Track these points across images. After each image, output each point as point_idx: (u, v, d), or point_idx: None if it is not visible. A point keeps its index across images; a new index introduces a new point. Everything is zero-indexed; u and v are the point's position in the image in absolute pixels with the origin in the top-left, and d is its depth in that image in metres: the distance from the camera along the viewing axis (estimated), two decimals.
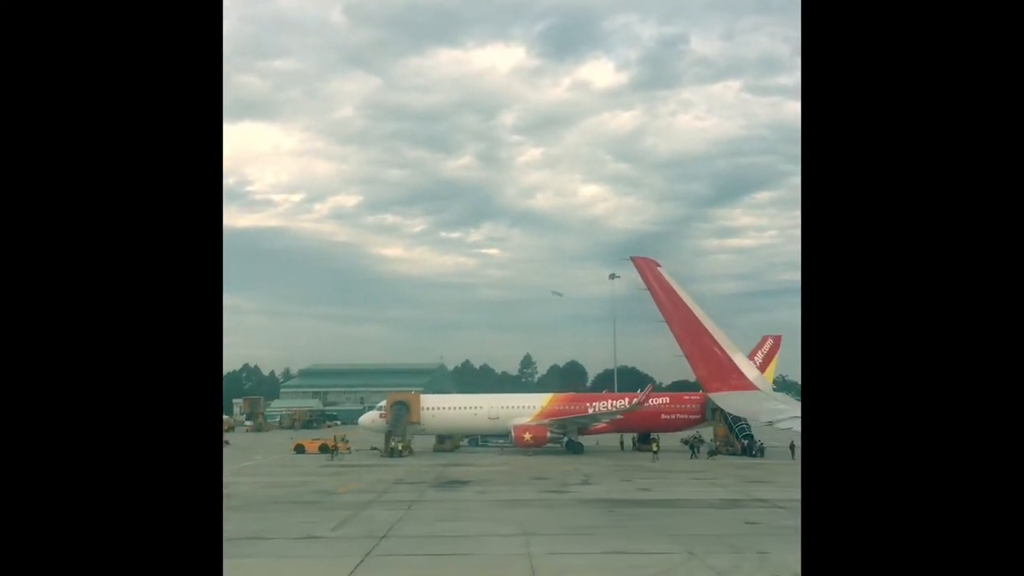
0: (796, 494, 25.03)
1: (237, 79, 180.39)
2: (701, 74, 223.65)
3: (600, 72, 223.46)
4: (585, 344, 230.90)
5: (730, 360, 16.79)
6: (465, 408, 60.39)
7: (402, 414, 56.24)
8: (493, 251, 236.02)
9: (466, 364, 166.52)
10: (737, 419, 56.83)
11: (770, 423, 16.12)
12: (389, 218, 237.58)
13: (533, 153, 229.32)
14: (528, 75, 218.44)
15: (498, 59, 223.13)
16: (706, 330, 16.83)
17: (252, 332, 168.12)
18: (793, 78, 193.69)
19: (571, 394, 67.58)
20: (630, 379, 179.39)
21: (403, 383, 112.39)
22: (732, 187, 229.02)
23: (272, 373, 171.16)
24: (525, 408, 59.79)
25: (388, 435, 55.22)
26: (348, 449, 57.21)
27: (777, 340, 65.26)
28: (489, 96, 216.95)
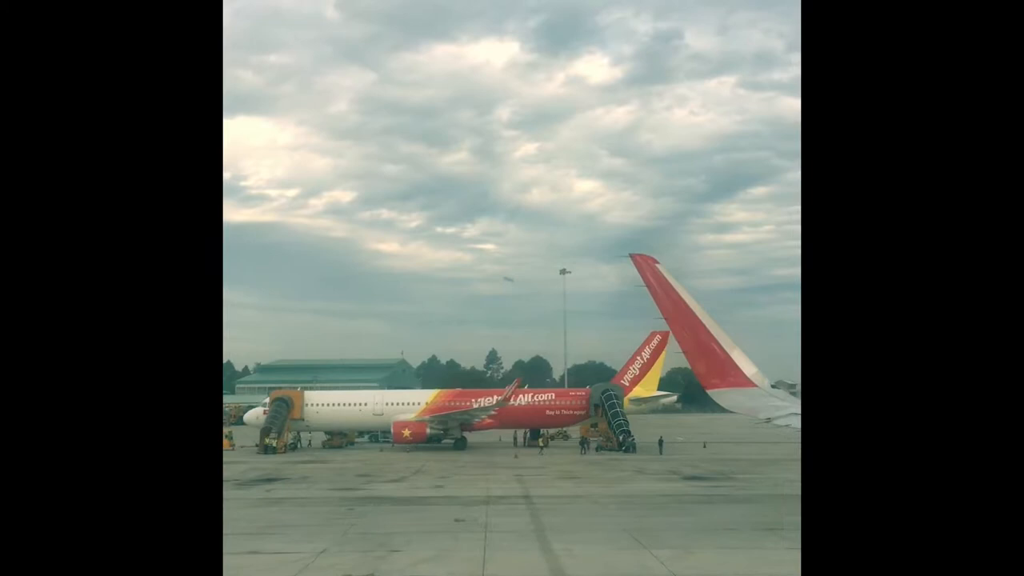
0: (585, 490, 25.89)
1: (231, 73, 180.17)
2: (696, 69, 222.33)
3: (595, 67, 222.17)
4: (571, 339, 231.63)
5: (728, 357, 16.92)
6: (350, 404, 60.84)
7: (281, 411, 56.73)
8: (489, 246, 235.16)
9: (432, 359, 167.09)
10: (616, 415, 57.20)
11: (768, 419, 16.22)
12: (384, 213, 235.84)
13: (528, 148, 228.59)
14: (522, 70, 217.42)
15: (492, 54, 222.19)
16: (704, 327, 17.02)
17: (243, 327, 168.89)
18: (787, 73, 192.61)
19: (458, 390, 67.86)
20: (599, 375, 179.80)
21: (361, 378, 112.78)
22: (727, 182, 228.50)
23: (246, 368, 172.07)
24: (410, 404, 60.19)
25: (263, 432, 55.71)
26: (231, 446, 57.78)
27: (665, 336, 65.29)
28: (484, 91, 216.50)
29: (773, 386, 18.07)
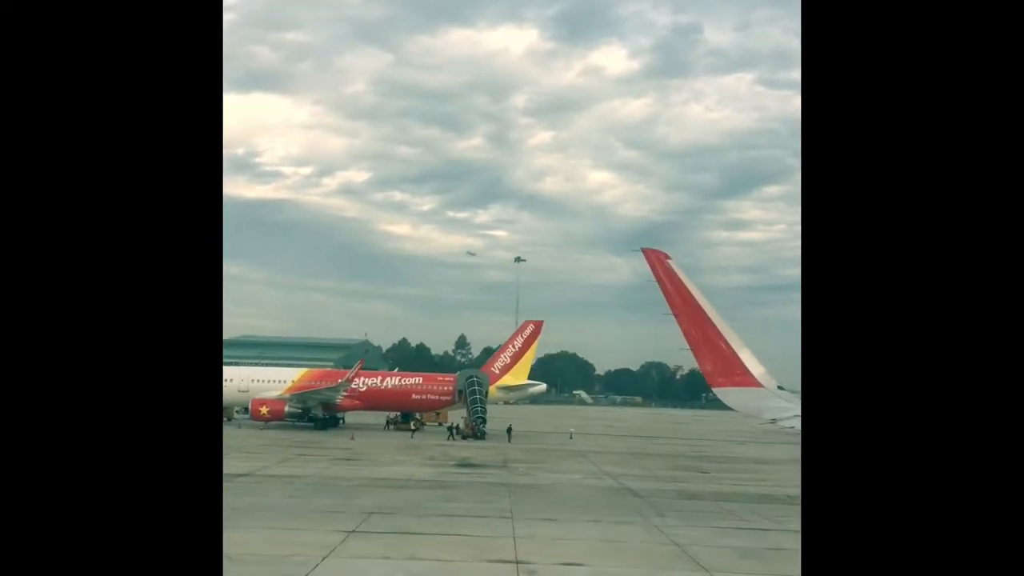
0: (319, 471, 30.71)
1: (248, 50, 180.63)
2: (714, 65, 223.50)
3: (613, 58, 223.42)
4: (570, 329, 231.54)
5: (736, 356, 16.85)
6: None
7: None
8: (501, 233, 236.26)
9: (402, 342, 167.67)
10: (474, 402, 56.96)
11: (774, 420, 16.22)
12: (397, 195, 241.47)
13: (543, 136, 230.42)
14: (540, 58, 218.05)
15: (510, 40, 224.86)
16: (714, 325, 16.90)
17: (250, 303, 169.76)
18: None
19: (326, 370, 67.87)
20: (570, 364, 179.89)
21: (316, 357, 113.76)
22: (742, 180, 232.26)
23: None
24: (276, 382, 60.38)
25: None
26: None
27: (539, 325, 64.98)
28: (500, 77, 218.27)
29: (780, 387, 18.04)
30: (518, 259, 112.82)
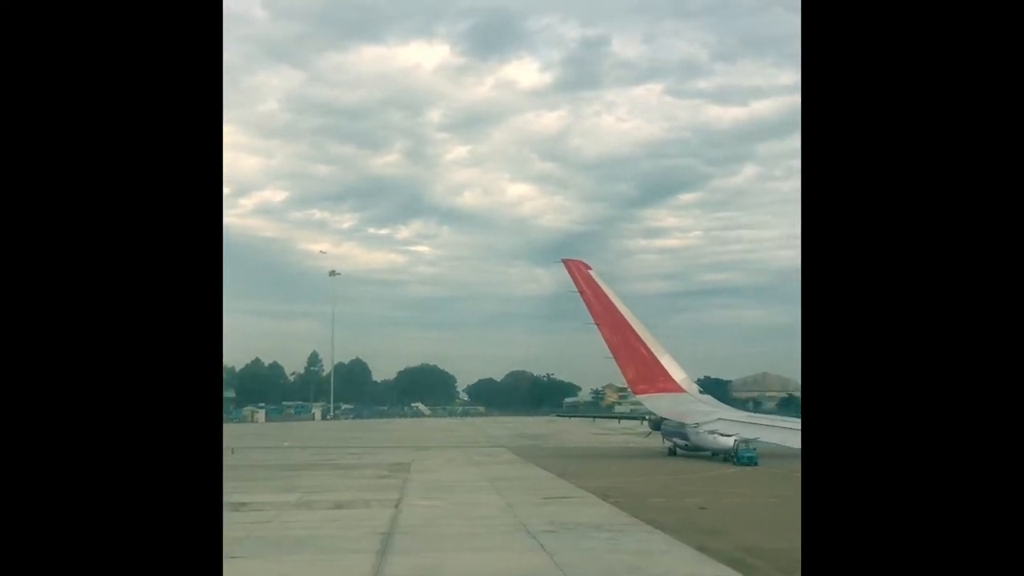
0: None
1: None
2: (623, 76, 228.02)
3: (525, 72, 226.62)
4: (497, 339, 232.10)
5: (657, 362, 17.10)
6: None
7: None
8: (423, 248, 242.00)
9: (255, 361, 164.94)
10: None
11: (698, 425, 15.83)
12: (317, 214, 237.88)
13: (460, 151, 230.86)
14: (453, 73, 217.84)
15: (422, 56, 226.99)
16: (635, 332, 17.19)
17: None
18: (711, 83, 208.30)
19: None
20: (430, 376, 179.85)
21: None
22: (657, 188, 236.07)
23: None
24: None
25: None
26: None
27: None
28: (414, 93, 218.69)
29: (701, 391, 17.96)
30: (332, 272, 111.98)
